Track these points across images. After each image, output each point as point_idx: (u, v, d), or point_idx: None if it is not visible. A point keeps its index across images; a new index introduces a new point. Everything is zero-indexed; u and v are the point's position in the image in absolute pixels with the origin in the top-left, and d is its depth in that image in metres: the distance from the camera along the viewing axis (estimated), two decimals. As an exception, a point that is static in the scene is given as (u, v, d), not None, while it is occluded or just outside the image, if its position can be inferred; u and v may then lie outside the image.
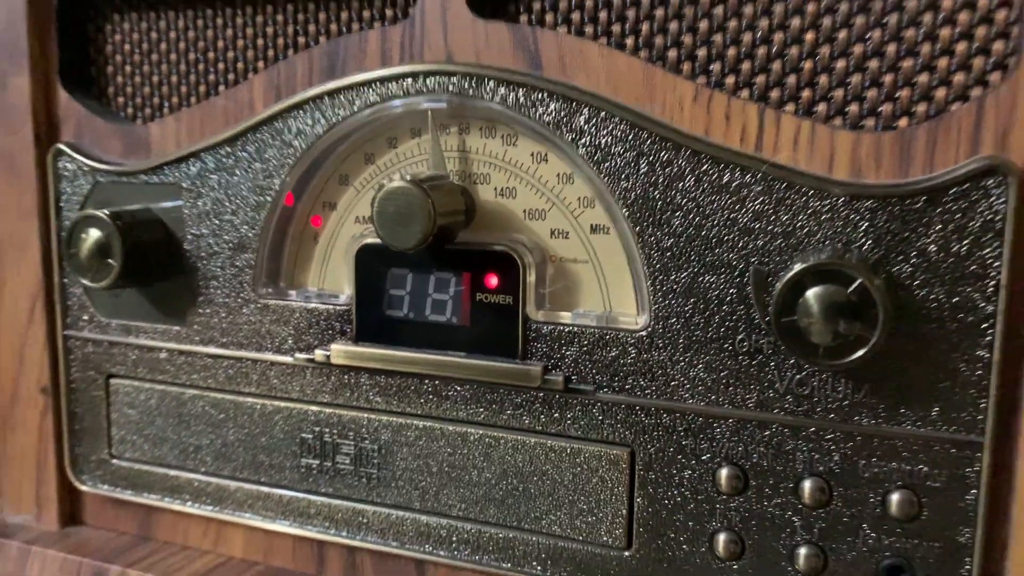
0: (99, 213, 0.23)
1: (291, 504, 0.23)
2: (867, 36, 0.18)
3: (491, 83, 0.20)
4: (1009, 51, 0.17)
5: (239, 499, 0.24)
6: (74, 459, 0.26)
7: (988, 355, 0.17)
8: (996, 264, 0.17)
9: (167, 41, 0.24)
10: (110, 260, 0.23)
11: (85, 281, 0.23)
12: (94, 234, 0.23)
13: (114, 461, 0.26)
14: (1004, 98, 0.17)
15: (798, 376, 0.18)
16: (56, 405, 0.26)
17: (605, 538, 0.21)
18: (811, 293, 0.17)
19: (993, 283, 0.17)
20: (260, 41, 0.23)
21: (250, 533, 0.25)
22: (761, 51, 0.19)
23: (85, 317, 0.25)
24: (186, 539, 0.26)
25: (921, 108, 0.18)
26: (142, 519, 0.26)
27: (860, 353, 0.17)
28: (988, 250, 0.17)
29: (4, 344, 0.26)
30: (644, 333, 0.20)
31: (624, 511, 0.20)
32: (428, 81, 0.21)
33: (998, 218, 0.17)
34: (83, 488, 0.26)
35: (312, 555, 0.24)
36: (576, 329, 0.20)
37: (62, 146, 0.25)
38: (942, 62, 0.18)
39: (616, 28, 0.20)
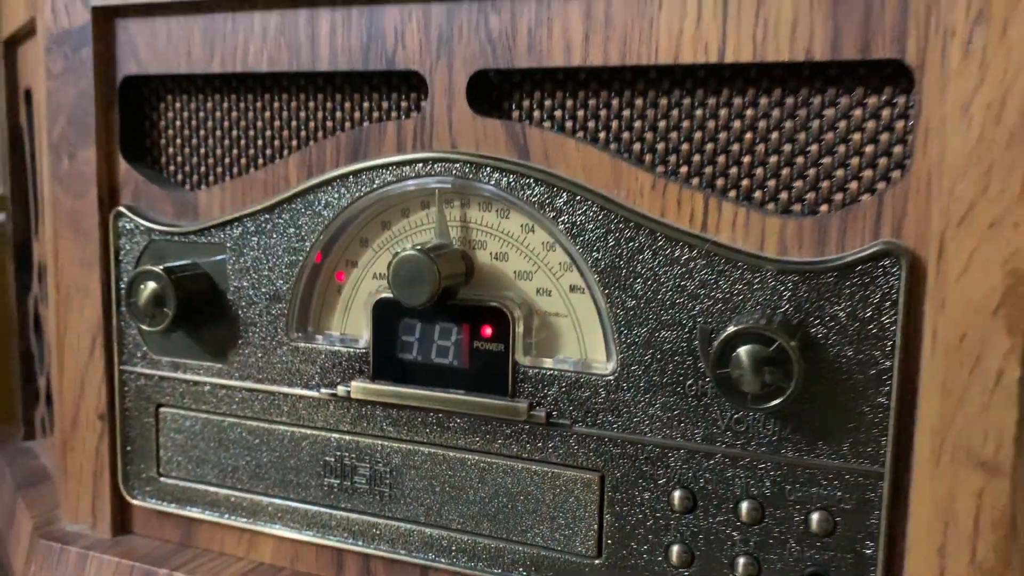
0: (156, 269, 0.27)
1: (315, 517, 0.27)
2: (795, 137, 0.22)
3: (487, 169, 0.24)
4: (906, 154, 0.21)
5: (270, 512, 0.28)
6: (126, 476, 0.30)
7: (887, 402, 0.21)
8: (892, 328, 0.21)
9: (213, 120, 0.29)
10: (165, 309, 0.27)
11: (142, 326, 0.28)
12: (151, 286, 0.27)
13: (161, 479, 0.30)
14: (899, 193, 0.21)
15: (735, 416, 0.22)
16: (111, 430, 0.30)
17: (579, 548, 0.24)
18: (742, 350, 0.21)
19: (890, 343, 0.21)
20: (294, 124, 0.27)
21: (278, 542, 0.29)
22: (709, 147, 0.23)
23: (139, 354, 0.29)
24: (222, 547, 0.30)
25: (838, 197, 0.22)
26: (184, 529, 0.30)
27: (779, 400, 0.21)
28: (886, 317, 0.21)
29: (67, 376, 0.30)
30: (612, 377, 0.24)
31: (595, 526, 0.24)
32: (436, 166, 0.25)
33: (894, 291, 0.21)
34: (134, 502, 0.30)
35: (332, 562, 0.28)
36: (556, 373, 0.24)
37: (122, 208, 0.29)
38: (854, 160, 0.22)
39: (591, 124, 0.24)
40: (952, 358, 0.20)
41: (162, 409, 0.29)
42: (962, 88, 0.19)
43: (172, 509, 0.30)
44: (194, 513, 0.29)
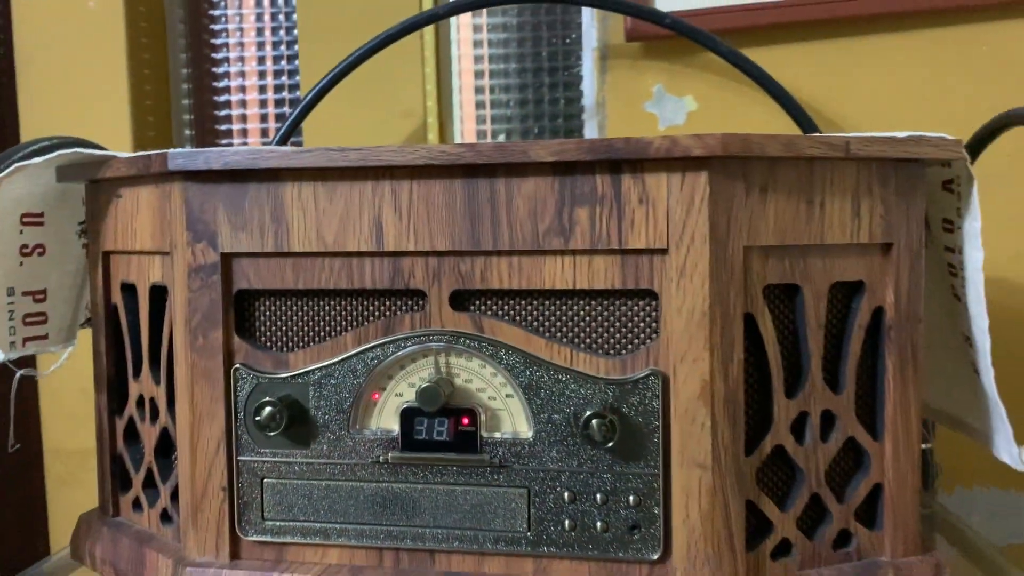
0: (270, 399, 0.48)
1: (363, 532, 0.49)
2: (606, 324, 0.48)
3: (462, 339, 0.48)
4: (657, 329, 0.47)
5: (335, 533, 0.49)
6: (240, 522, 0.50)
7: (658, 439, 0.46)
8: (657, 406, 0.46)
9: (297, 312, 0.50)
10: (274, 422, 0.48)
11: (264, 433, 0.48)
12: (267, 410, 0.48)
13: (265, 522, 0.50)
14: (656, 346, 0.46)
15: (592, 451, 0.47)
16: (230, 496, 0.50)
17: (520, 528, 0.48)
18: (593, 421, 0.45)
19: (658, 412, 0.46)
20: (349, 315, 0.50)
21: (340, 549, 0.49)
22: (572, 328, 0.48)
23: (250, 447, 0.50)
24: (303, 558, 0.50)
25: (630, 348, 0.47)
26: (278, 551, 0.50)
27: (611, 444, 0.45)
28: (655, 402, 0.46)
29: (199, 465, 0.50)
30: (531, 437, 0.47)
31: (526, 516, 0.47)
32: (433, 337, 0.48)
33: (657, 391, 0.46)
34: (245, 538, 0.50)
35: (375, 557, 0.49)
36: (502, 438, 0.48)
37: (238, 365, 0.50)
38: (638, 333, 0.47)
39: (513, 314, 0.48)
40: (682, 418, 0.45)
41: (265, 480, 0.50)
42: (676, 304, 0.45)
43: (270, 539, 0.50)
44: (285, 540, 0.50)
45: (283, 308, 0.50)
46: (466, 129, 1.09)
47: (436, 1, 1.03)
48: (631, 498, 0.46)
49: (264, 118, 1.11)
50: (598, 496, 0.47)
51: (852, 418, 0.48)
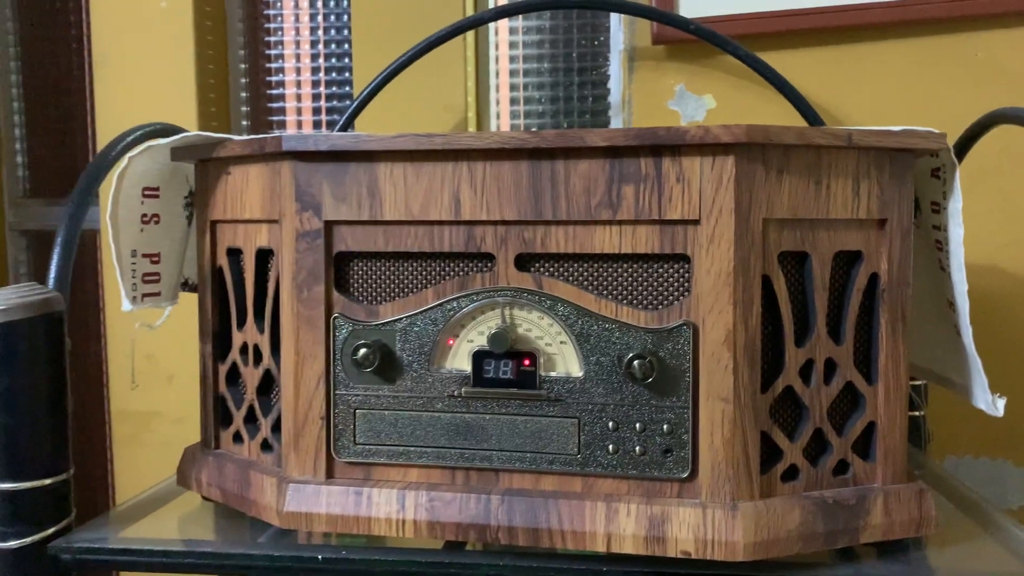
0: (366, 341, 0.58)
1: (439, 453, 0.58)
2: (652, 282, 0.57)
3: (525, 295, 0.57)
4: (689, 288, 0.56)
5: (415, 454, 0.59)
6: (335, 446, 0.60)
7: (690, 377, 0.56)
8: (688, 351, 0.55)
9: (387, 269, 0.60)
10: (368, 361, 0.58)
11: (357, 371, 0.58)
12: (362, 351, 0.58)
13: (356, 445, 0.60)
14: (689, 301, 0.56)
15: (633, 388, 0.56)
16: (327, 423, 0.60)
17: (571, 449, 0.57)
18: (635, 362, 0.55)
19: (689, 356, 0.55)
20: (430, 273, 0.59)
21: (420, 469, 0.59)
22: (621, 285, 0.57)
23: (345, 383, 0.59)
24: (388, 477, 0.60)
25: (667, 302, 0.57)
26: (367, 471, 0.60)
27: (649, 380, 0.55)
28: (687, 346, 0.55)
29: (301, 400, 0.60)
30: (581, 376, 0.57)
31: (575, 439, 0.57)
32: (500, 294, 0.57)
33: (688, 338, 0.55)
34: (338, 459, 0.60)
35: (449, 476, 0.59)
36: (556, 377, 0.57)
37: (336, 315, 0.59)
38: (672, 290, 0.57)
39: (568, 273, 0.58)
40: (709, 361, 0.55)
41: (357, 411, 0.59)
42: (705, 266, 0.54)
43: (360, 460, 0.60)
44: (373, 461, 0.59)
45: (374, 267, 0.60)
46: (501, 123, 1.18)
47: (476, 5, 1.12)
48: (665, 427, 0.56)
49: (316, 111, 1.20)
50: (637, 425, 0.56)
51: (850, 365, 0.58)
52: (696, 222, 0.54)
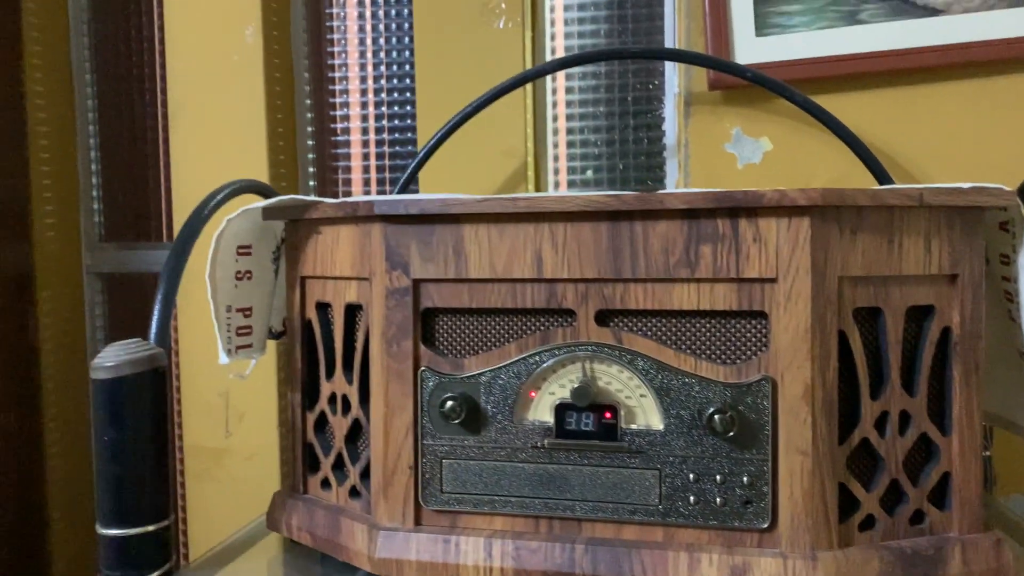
0: (452, 393, 0.60)
1: (523, 503, 0.61)
2: (732, 338, 0.59)
3: (605, 349, 0.59)
4: (767, 342, 0.58)
5: (500, 503, 0.61)
6: (423, 495, 0.62)
7: (769, 432, 0.57)
8: (767, 405, 0.57)
9: (470, 326, 0.63)
10: (455, 413, 0.60)
11: (444, 423, 0.61)
12: (449, 403, 0.60)
13: (443, 494, 0.62)
14: (767, 357, 0.58)
15: (713, 441, 0.58)
16: (415, 473, 0.62)
17: (653, 500, 0.59)
18: (716, 416, 0.57)
19: (768, 411, 0.57)
20: (513, 328, 0.62)
21: (505, 518, 0.61)
22: (699, 341, 0.60)
23: (432, 433, 0.62)
24: (474, 524, 0.62)
25: (745, 357, 0.59)
26: (453, 519, 0.62)
27: (731, 434, 0.57)
28: (766, 402, 0.57)
29: (391, 449, 0.63)
30: (662, 429, 0.59)
31: (657, 491, 0.59)
32: (580, 348, 0.60)
33: (767, 393, 0.57)
34: (426, 507, 0.62)
35: (533, 524, 0.61)
36: (637, 430, 0.59)
37: (423, 368, 0.62)
38: (751, 345, 0.59)
39: (645, 329, 0.60)
40: (788, 415, 0.57)
41: (444, 460, 0.62)
42: (783, 323, 0.56)
43: (447, 508, 0.62)
44: (459, 509, 0.62)
45: (460, 323, 0.63)
46: (560, 167, 1.21)
47: (535, 55, 1.16)
48: (745, 479, 0.57)
49: (380, 155, 1.24)
50: (717, 477, 0.58)
51: (925, 417, 0.59)
52: (773, 280, 0.56)
